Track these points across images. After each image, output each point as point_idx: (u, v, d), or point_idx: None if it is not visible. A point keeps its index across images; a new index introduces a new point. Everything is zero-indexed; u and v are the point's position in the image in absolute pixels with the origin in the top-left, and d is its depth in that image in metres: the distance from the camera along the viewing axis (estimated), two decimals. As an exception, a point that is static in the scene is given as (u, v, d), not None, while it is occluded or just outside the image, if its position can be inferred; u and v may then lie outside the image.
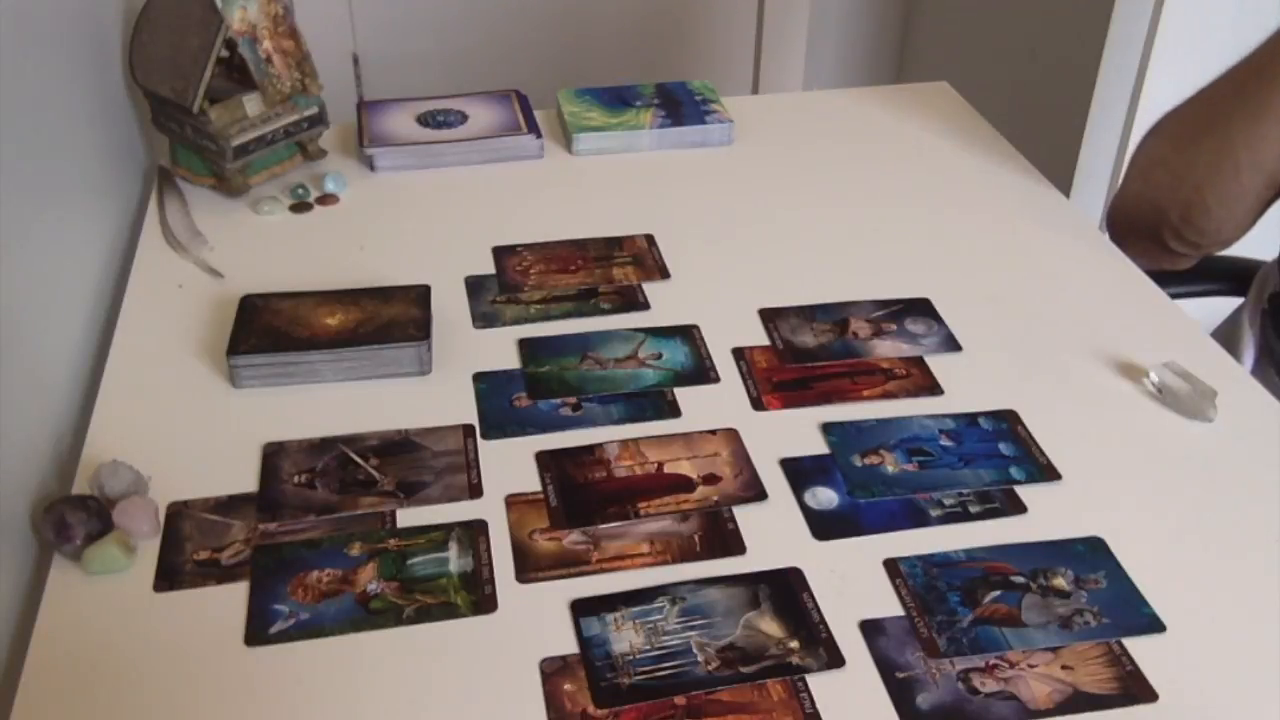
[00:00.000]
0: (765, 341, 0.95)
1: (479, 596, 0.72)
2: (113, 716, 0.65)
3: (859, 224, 1.12)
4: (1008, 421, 0.87)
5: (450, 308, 0.98)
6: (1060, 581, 0.74)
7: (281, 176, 1.16)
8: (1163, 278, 1.05)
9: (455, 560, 0.75)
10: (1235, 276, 1.22)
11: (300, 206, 1.12)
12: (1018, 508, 0.80)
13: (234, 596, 0.72)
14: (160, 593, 0.72)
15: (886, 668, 0.68)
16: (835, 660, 0.69)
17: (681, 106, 1.28)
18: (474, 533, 0.77)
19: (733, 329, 0.96)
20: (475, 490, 0.80)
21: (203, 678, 0.67)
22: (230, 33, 1.07)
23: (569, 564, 0.75)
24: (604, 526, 0.77)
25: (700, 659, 0.68)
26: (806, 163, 1.23)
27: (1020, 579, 0.74)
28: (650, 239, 1.08)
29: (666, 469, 0.82)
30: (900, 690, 0.67)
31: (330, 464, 0.82)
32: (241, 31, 1.08)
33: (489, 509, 0.79)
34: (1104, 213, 1.80)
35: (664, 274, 1.04)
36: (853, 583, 0.74)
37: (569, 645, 0.69)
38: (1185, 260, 1.06)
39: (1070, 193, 1.78)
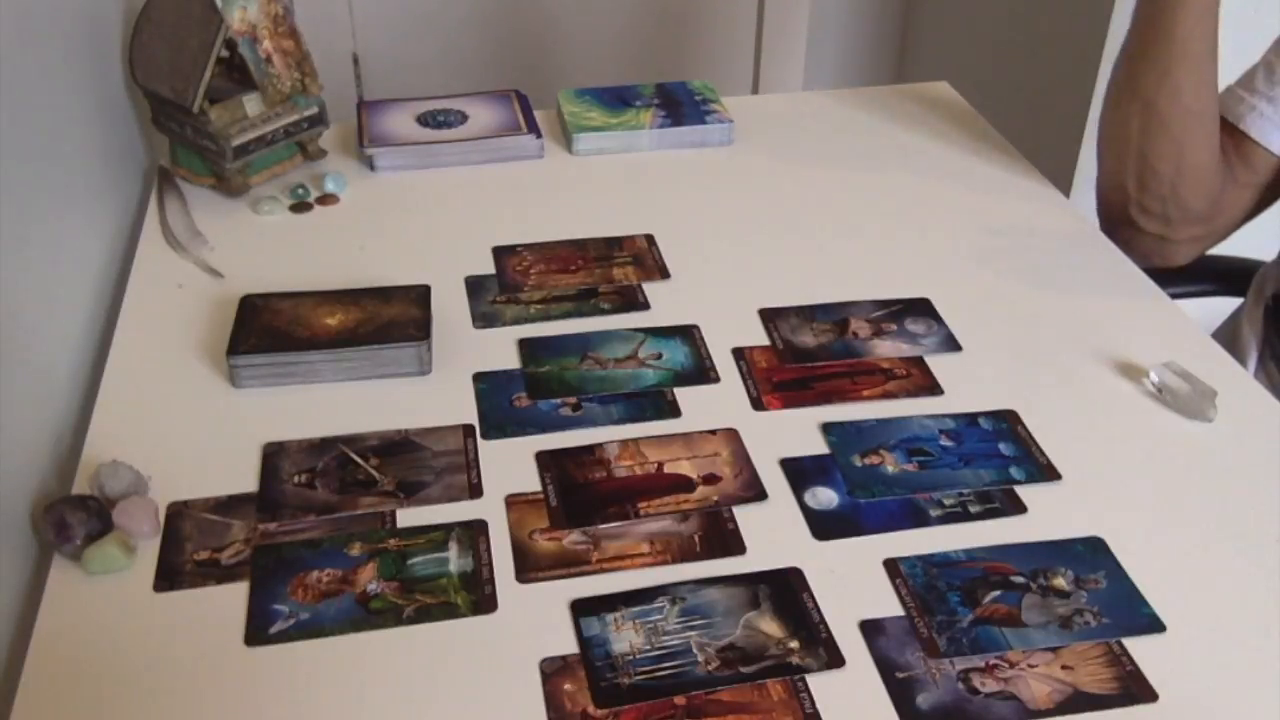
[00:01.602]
0: (765, 341, 0.95)
1: (479, 596, 0.72)
2: (113, 716, 0.65)
3: (859, 224, 1.12)
4: (1008, 421, 0.87)
5: (450, 308, 0.98)
6: (1060, 581, 0.74)
7: (281, 176, 1.16)
8: (1163, 278, 1.05)
9: (455, 560, 0.75)
10: (1235, 277, 1.22)
11: (300, 206, 1.12)
12: (1018, 508, 0.80)
13: (234, 596, 0.72)
14: (160, 593, 0.72)
15: (886, 668, 0.68)
16: (835, 660, 0.69)
17: (681, 106, 1.28)
18: (474, 533, 0.77)
19: (733, 329, 0.96)
20: (475, 490, 0.80)
21: (203, 678, 0.67)
22: (230, 33, 1.07)
23: (569, 564, 0.75)
24: (604, 526, 0.77)
25: (700, 659, 0.68)
26: (806, 163, 1.23)
27: (1020, 579, 0.74)
28: (650, 239, 1.08)
29: (666, 469, 0.82)
30: (900, 690, 0.67)
31: (330, 464, 0.82)
32: (241, 31, 1.08)
33: (489, 509, 0.79)
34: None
35: (664, 274, 1.04)
36: (852, 583, 0.74)
37: (569, 645, 0.69)
38: (1174, 249, 1.06)
39: (1070, 193, 1.78)
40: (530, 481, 0.81)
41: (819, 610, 0.72)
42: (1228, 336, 1.16)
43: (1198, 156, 1.01)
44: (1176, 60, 0.98)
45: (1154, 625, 0.71)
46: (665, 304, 1.00)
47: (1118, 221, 1.08)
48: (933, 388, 0.91)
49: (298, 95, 1.13)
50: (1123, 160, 1.04)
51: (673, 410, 0.88)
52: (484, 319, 0.98)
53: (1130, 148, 1.02)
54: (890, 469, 0.82)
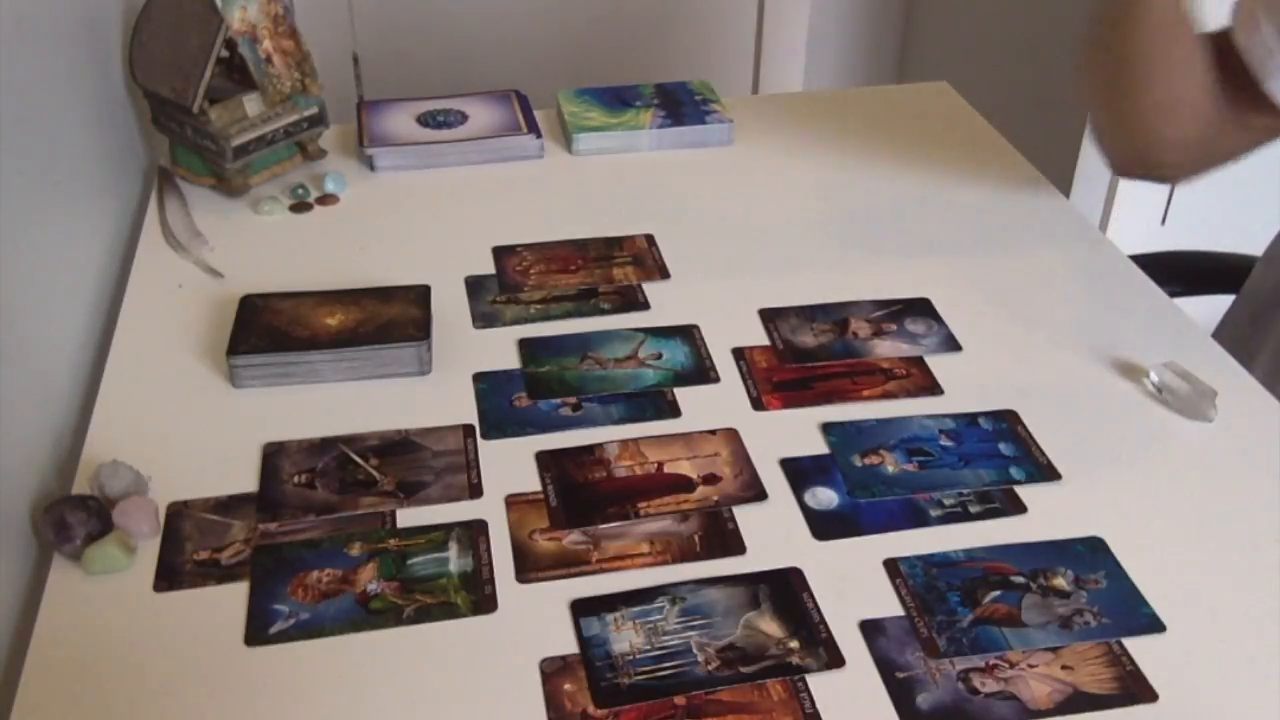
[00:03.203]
0: (765, 341, 0.95)
1: (479, 596, 0.72)
2: (113, 716, 0.65)
3: (859, 224, 1.12)
4: (1008, 421, 0.87)
5: (450, 308, 0.98)
6: (1060, 581, 0.74)
7: (281, 176, 1.16)
8: (1163, 278, 1.05)
9: (455, 560, 0.75)
10: (1235, 277, 1.22)
11: (300, 206, 1.12)
12: (1018, 508, 0.80)
13: (234, 596, 0.72)
14: (160, 593, 0.72)
15: (886, 668, 0.68)
16: (835, 660, 0.69)
17: (681, 106, 1.28)
18: (474, 533, 0.77)
19: (733, 329, 0.96)
20: (475, 490, 0.80)
21: (203, 678, 0.67)
22: (230, 33, 1.07)
23: (569, 564, 0.75)
24: (604, 526, 0.77)
25: (700, 659, 0.68)
26: (806, 163, 1.23)
27: (1020, 579, 0.74)
28: (650, 239, 1.08)
29: (666, 469, 0.82)
30: (900, 690, 0.67)
31: (330, 464, 0.82)
32: (241, 31, 1.08)
33: (489, 509, 0.79)
34: (1104, 209, 1.80)
35: (664, 274, 1.04)
36: (852, 583, 0.74)
37: (569, 645, 0.69)
38: (1181, 178, 1.03)
39: (1070, 193, 1.78)
40: (530, 481, 0.81)
41: (819, 610, 0.72)
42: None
43: (1208, 119, 0.93)
44: (1156, 63, 0.91)
45: (1154, 625, 0.71)
46: (665, 304, 1.00)
47: (1121, 169, 1.03)
48: (933, 388, 0.91)
49: (298, 95, 1.13)
50: (1116, 140, 0.98)
51: (673, 410, 0.88)
52: (484, 319, 0.98)
53: (1122, 136, 0.97)
54: (890, 469, 0.82)
